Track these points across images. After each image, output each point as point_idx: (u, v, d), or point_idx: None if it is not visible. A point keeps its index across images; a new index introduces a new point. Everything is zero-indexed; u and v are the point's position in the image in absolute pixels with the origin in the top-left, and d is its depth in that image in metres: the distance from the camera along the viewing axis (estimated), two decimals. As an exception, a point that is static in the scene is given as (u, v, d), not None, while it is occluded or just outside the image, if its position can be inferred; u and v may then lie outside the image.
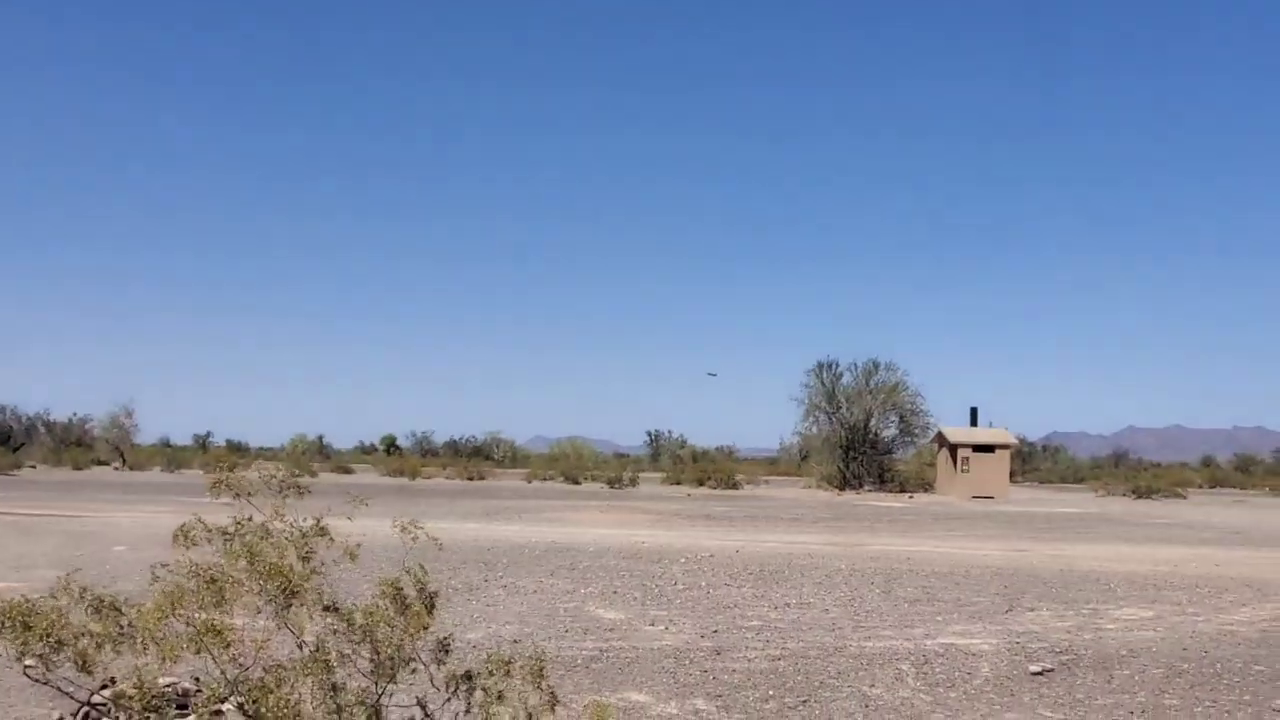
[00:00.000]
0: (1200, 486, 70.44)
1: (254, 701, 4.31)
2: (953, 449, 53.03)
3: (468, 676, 4.47)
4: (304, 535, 4.60)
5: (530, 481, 58.64)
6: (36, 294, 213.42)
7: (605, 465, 66.33)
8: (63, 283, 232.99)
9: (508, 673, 4.45)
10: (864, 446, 57.65)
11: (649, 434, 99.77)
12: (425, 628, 4.45)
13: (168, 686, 6.20)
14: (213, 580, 4.37)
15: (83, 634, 4.35)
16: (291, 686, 4.33)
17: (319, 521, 4.67)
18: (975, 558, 19.35)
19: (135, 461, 68.56)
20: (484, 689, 4.46)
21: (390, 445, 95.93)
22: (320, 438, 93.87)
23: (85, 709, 6.28)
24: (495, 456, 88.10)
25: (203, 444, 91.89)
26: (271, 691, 4.30)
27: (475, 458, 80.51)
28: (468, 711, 4.46)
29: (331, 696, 4.34)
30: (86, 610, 4.37)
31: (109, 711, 4.99)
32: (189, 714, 5.29)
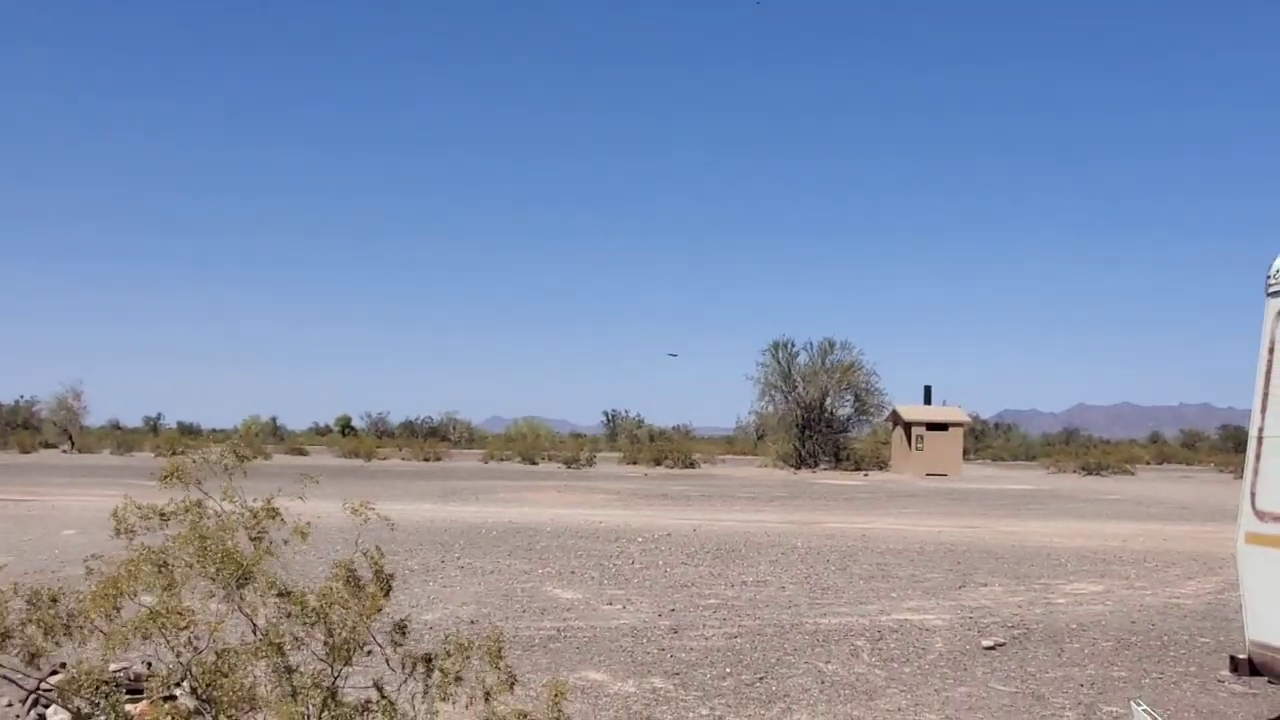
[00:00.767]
0: (1148, 463, 71.65)
1: (208, 685, 4.25)
2: (907, 427, 53.51)
3: (427, 659, 4.44)
4: (254, 516, 4.53)
5: (487, 462, 58.44)
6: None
7: (562, 445, 66.25)
8: (6, 261, 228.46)
9: (467, 657, 4.43)
10: (819, 425, 58.00)
11: (606, 414, 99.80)
12: (380, 609, 4.41)
13: (118, 671, 6.12)
14: (163, 565, 4.30)
15: (29, 622, 4.26)
16: (245, 670, 4.28)
17: (269, 502, 4.61)
18: (929, 535, 19.57)
19: (84, 444, 67.46)
20: (441, 670, 4.43)
21: (345, 426, 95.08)
22: (274, 419, 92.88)
23: (34, 696, 6.19)
24: (451, 437, 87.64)
25: (153, 426, 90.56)
26: (225, 675, 4.24)
27: (431, 439, 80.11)
28: (425, 693, 4.43)
29: (286, 679, 4.29)
30: (24, 603, 4.28)
31: (58, 698, 4.92)
32: (141, 699, 5.23)
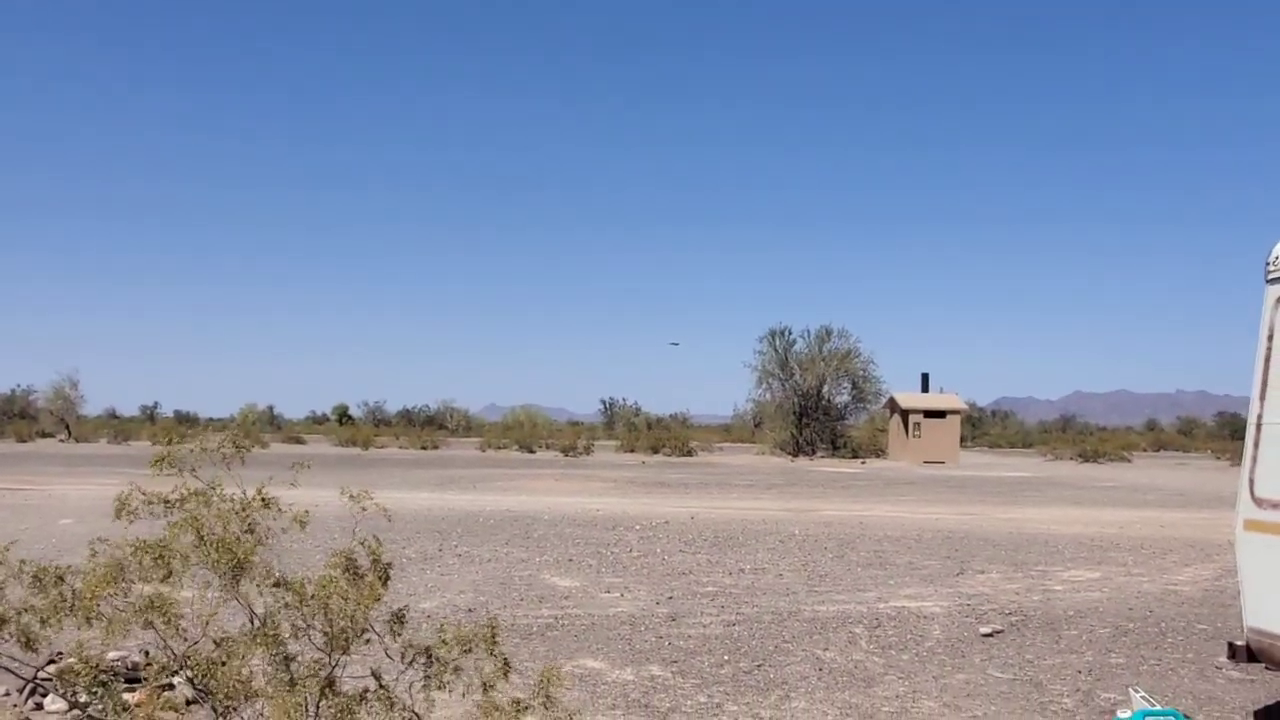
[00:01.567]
0: (1145, 450, 71.82)
1: (204, 675, 4.24)
2: (904, 415, 53.56)
3: (427, 651, 4.43)
4: (249, 505, 4.52)
5: (484, 450, 58.47)
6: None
7: (559, 433, 66.30)
8: (2, 252, 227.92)
9: (468, 649, 4.42)
10: (817, 413, 58.06)
11: (603, 402, 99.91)
12: (378, 599, 4.39)
13: (116, 660, 6.12)
14: (160, 556, 4.28)
15: (25, 609, 4.24)
16: (242, 659, 4.27)
17: (260, 491, 4.59)
18: (927, 522, 19.60)
19: (80, 433, 67.44)
20: (439, 659, 4.42)
21: (342, 415, 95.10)
22: (271, 408, 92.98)
23: (31, 685, 6.18)
24: (449, 426, 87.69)
25: (150, 415, 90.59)
26: (222, 664, 4.23)
27: (428, 427, 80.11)
28: (424, 683, 4.42)
29: (284, 669, 4.28)
30: (28, 584, 4.26)
31: (55, 687, 4.91)
32: (138, 687, 5.22)
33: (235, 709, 4.25)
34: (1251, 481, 6.36)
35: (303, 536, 4.86)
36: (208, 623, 4.32)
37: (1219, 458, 56.15)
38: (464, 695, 4.41)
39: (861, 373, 59.16)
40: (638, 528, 17.43)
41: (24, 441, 61.15)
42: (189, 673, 4.30)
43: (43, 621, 4.22)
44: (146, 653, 5.41)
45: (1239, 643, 6.47)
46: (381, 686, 4.38)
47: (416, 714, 4.39)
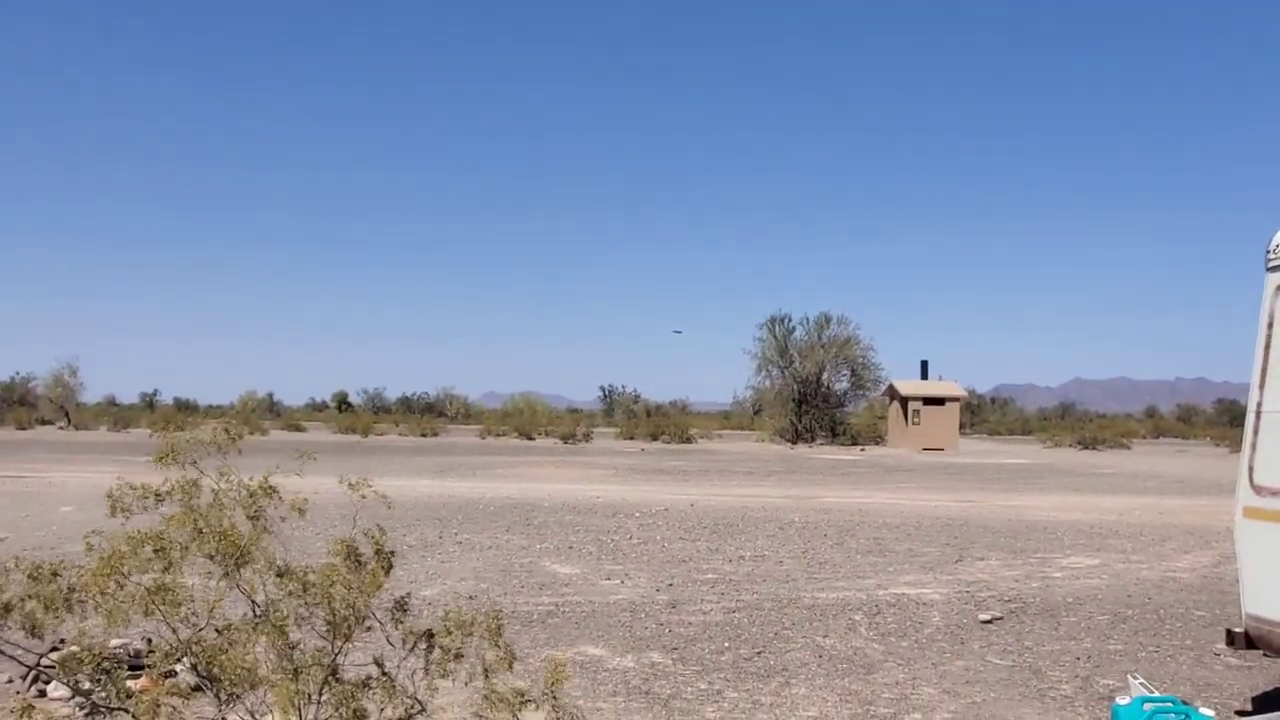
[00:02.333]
0: (1144, 437, 71.91)
1: (208, 662, 4.26)
2: (904, 402, 53.59)
3: (428, 635, 4.45)
4: (250, 494, 4.52)
5: (484, 438, 58.52)
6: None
7: (559, 421, 66.31)
8: (2, 238, 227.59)
9: (470, 634, 4.43)
10: (816, 400, 58.12)
11: (602, 389, 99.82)
12: (381, 587, 4.41)
13: (119, 648, 6.13)
14: (160, 548, 4.29)
15: (29, 597, 4.25)
16: (245, 646, 4.28)
17: (265, 479, 4.59)
18: (926, 509, 19.63)
19: (80, 421, 67.47)
20: (442, 647, 4.44)
21: (342, 402, 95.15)
22: (270, 395, 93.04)
23: (35, 672, 6.21)
24: (448, 413, 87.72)
25: (150, 403, 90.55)
26: (225, 652, 4.25)
27: (428, 414, 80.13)
28: (426, 670, 4.44)
29: (287, 656, 4.30)
30: (25, 577, 4.27)
31: (58, 674, 4.93)
32: (141, 675, 5.24)
33: (239, 696, 4.27)
34: (1251, 469, 6.38)
35: (303, 524, 4.88)
36: (211, 610, 4.34)
37: (1218, 444, 56.26)
38: (467, 683, 4.43)
39: (861, 360, 59.26)
40: (637, 515, 17.46)
41: (24, 429, 61.21)
42: (192, 659, 4.32)
43: (46, 608, 4.23)
44: (149, 640, 5.43)
45: (1237, 629, 6.50)
46: (384, 674, 4.40)
47: (419, 701, 4.41)
